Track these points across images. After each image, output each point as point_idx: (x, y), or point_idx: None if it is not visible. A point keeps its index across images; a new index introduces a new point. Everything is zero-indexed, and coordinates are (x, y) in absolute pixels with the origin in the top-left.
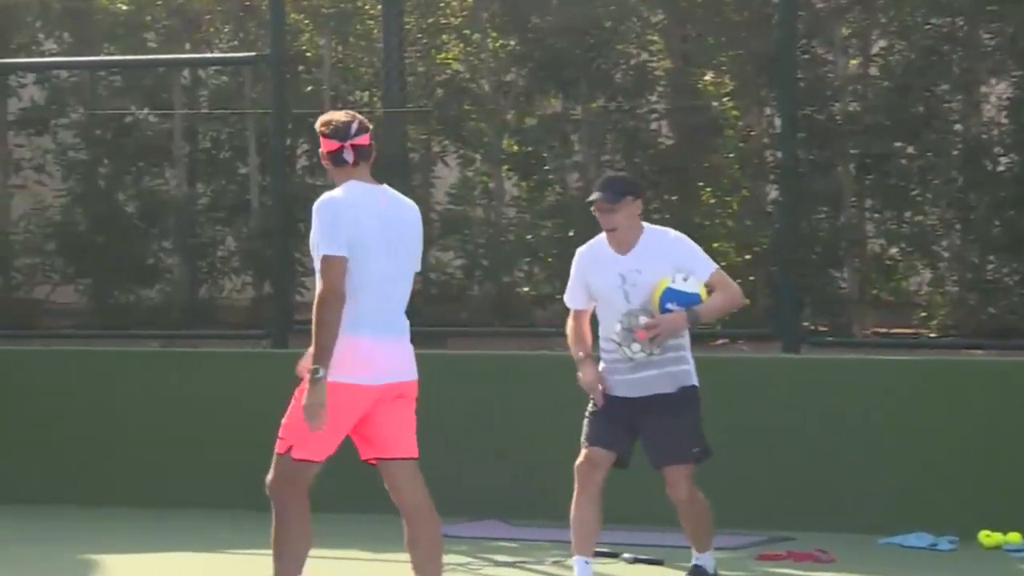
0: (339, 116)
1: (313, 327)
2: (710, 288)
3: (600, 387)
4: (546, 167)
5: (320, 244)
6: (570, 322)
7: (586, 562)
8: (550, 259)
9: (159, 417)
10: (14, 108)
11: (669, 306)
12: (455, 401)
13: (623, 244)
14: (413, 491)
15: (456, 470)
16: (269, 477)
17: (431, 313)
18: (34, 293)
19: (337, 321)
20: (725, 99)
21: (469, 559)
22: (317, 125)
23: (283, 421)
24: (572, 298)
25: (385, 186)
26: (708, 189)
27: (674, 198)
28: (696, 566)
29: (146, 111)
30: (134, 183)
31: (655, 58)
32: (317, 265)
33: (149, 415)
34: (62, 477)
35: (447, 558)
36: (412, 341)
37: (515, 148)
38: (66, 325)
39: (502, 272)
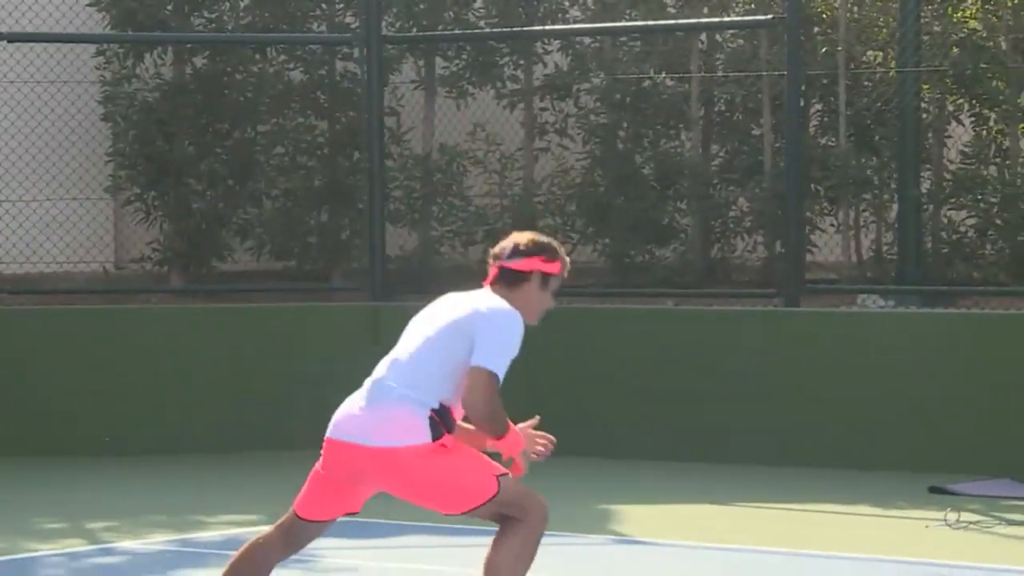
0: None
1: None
2: None
3: None
4: None
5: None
6: None
7: None
8: None
9: (669, 373)
10: (540, 74)
11: None
12: (963, 359)
13: None
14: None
15: (962, 428)
16: None
17: (943, 272)
18: None
19: None
20: None
21: (981, 517)
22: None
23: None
24: None
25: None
26: None
27: None
28: None
29: (664, 75)
30: (651, 146)
31: None
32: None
33: (657, 372)
34: (577, 427)
35: (962, 515)
36: (923, 300)
37: None
38: (586, 284)
39: (1017, 231)
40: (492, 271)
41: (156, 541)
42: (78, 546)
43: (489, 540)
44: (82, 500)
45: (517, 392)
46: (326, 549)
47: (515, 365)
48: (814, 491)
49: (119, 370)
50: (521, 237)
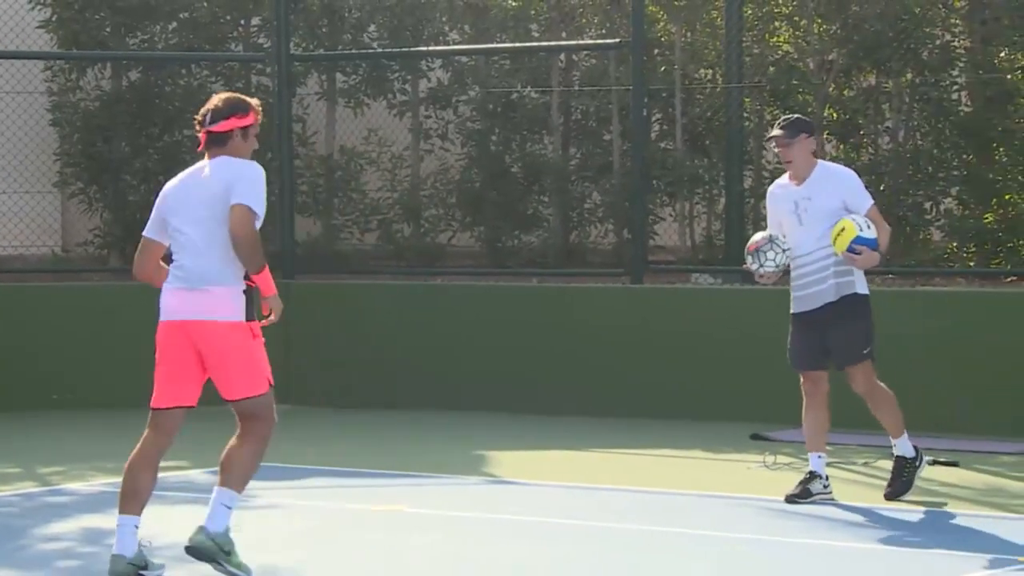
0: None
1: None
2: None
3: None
4: (861, 132)
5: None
6: None
7: (819, 456)
8: None
9: (534, 340)
10: (424, 87)
11: (855, 247)
12: (778, 327)
13: (798, 176)
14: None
15: (778, 384)
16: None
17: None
18: (439, 238)
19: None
20: (1017, 72)
21: (793, 459)
22: (247, 104)
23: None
24: (769, 224)
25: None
26: (1002, 149)
27: (972, 158)
28: (897, 457)
29: (529, 89)
30: (519, 148)
31: (957, 38)
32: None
33: (524, 339)
34: (455, 384)
35: (778, 458)
36: (745, 278)
37: (835, 116)
38: (464, 265)
39: None
40: (201, 137)
41: (98, 483)
42: (30, 488)
43: (391, 487)
44: (35, 449)
45: (415, 354)
46: (255, 489)
47: (411, 333)
48: (656, 438)
49: (66, 338)
50: (217, 100)
